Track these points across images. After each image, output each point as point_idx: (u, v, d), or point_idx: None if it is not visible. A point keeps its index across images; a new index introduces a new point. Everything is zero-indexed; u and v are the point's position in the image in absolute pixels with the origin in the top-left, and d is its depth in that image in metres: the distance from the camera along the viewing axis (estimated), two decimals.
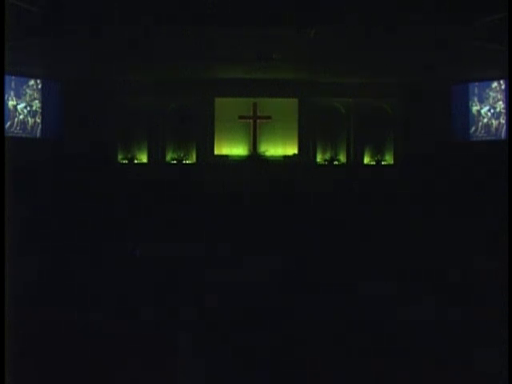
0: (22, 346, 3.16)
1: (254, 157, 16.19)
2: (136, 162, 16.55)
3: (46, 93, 15.84)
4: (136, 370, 3.08)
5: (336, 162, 16.80)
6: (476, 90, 15.94)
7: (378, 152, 16.84)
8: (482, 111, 15.90)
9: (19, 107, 15.47)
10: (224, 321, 3.85)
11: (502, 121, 15.45)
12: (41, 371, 3.08)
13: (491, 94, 15.68)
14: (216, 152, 16.54)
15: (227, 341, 3.54)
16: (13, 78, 15.06)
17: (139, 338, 3.30)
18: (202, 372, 3.16)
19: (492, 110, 15.72)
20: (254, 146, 16.53)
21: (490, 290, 4.39)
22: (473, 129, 16.06)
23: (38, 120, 15.82)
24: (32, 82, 15.62)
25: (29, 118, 15.68)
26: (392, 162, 16.80)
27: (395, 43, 11.84)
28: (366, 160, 16.85)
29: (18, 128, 15.42)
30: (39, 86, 15.76)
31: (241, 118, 16.59)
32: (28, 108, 15.65)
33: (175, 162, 16.54)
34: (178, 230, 6.96)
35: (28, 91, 15.58)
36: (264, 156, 16.17)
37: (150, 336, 3.30)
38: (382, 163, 16.76)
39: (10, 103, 15.22)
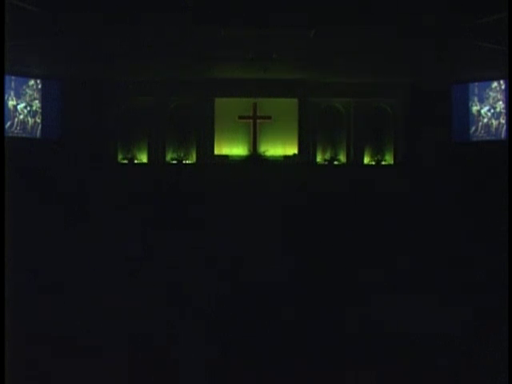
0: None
1: (254, 157, 16.18)
2: (136, 161, 16.56)
3: (46, 93, 15.84)
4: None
5: (336, 162, 16.80)
6: (476, 90, 15.94)
7: (377, 152, 16.85)
8: (482, 111, 15.90)
9: (19, 107, 15.47)
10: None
11: (502, 121, 15.44)
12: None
13: (491, 94, 15.68)
14: (216, 152, 16.53)
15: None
16: (13, 78, 15.05)
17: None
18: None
19: (492, 110, 15.72)
20: (254, 146, 16.53)
21: (490, 290, 4.39)
22: (473, 129, 16.06)
23: (38, 120, 15.82)
24: (32, 82, 15.62)
25: (29, 118, 15.67)
26: (392, 162, 16.80)
27: (395, 43, 11.84)
28: (366, 160, 16.85)
29: (18, 128, 15.42)
30: (39, 86, 15.76)
31: (241, 118, 16.59)
32: (28, 108, 15.64)
33: (175, 161, 16.54)
34: (178, 229, 6.96)
35: (28, 91, 15.58)
36: (264, 156, 16.16)
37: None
38: (382, 163, 16.77)
39: (10, 103, 15.22)
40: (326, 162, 16.76)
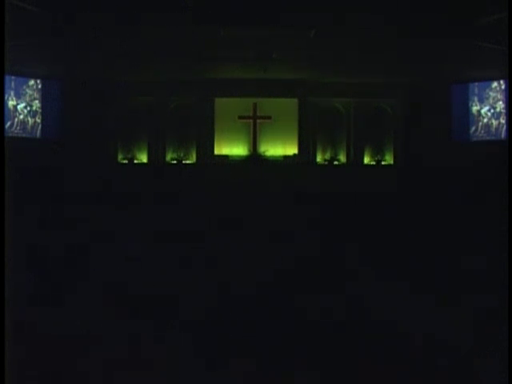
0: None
1: (254, 157, 16.18)
2: (136, 161, 16.56)
3: (46, 93, 15.84)
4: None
5: (336, 162, 16.80)
6: (476, 90, 15.94)
7: (378, 152, 16.85)
8: (482, 111, 15.90)
9: (19, 107, 15.47)
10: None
11: (502, 121, 15.44)
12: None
13: (491, 94, 15.68)
14: (216, 152, 16.53)
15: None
16: (13, 78, 15.05)
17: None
18: None
19: (492, 110, 15.72)
20: (254, 146, 16.53)
21: (490, 290, 4.40)
22: (473, 129, 16.06)
23: (38, 120, 15.82)
24: (32, 82, 15.62)
25: (29, 118, 15.67)
26: (392, 162, 16.80)
27: (395, 43, 11.84)
28: (366, 160, 16.85)
29: (18, 128, 15.42)
30: (39, 86, 15.76)
31: (241, 118, 16.59)
32: (28, 108, 15.64)
33: (175, 161, 16.54)
34: (178, 229, 6.97)
35: (28, 91, 15.57)
36: (264, 156, 16.16)
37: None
38: (382, 163, 16.77)
39: (10, 103, 15.22)
40: (326, 162, 16.76)
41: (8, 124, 15.02)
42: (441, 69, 14.33)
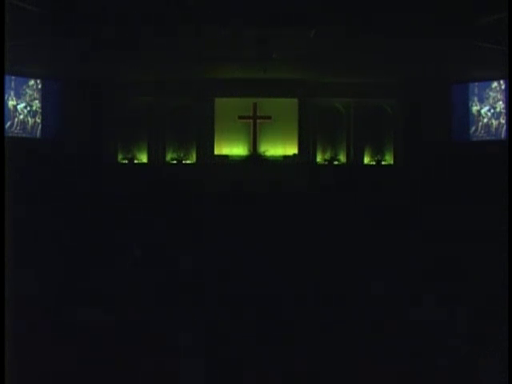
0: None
1: (254, 157, 16.18)
2: (136, 161, 16.55)
3: (46, 93, 15.82)
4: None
5: (336, 162, 16.80)
6: (476, 90, 15.93)
7: (377, 152, 16.83)
8: (482, 111, 15.89)
9: (19, 107, 15.46)
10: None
11: (502, 121, 15.44)
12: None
13: (491, 94, 15.67)
14: (216, 152, 16.52)
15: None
16: (13, 78, 15.04)
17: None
18: None
19: (492, 110, 15.71)
20: (254, 146, 16.51)
21: (489, 290, 4.40)
22: (473, 129, 16.06)
23: (38, 120, 15.80)
24: (32, 82, 15.61)
25: (29, 118, 15.66)
26: (392, 162, 16.80)
27: (395, 43, 11.84)
28: (366, 160, 16.84)
29: (18, 128, 15.41)
30: (39, 86, 15.75)
31: (241, 118, 16.56)
32: (28, 108, 15.63)
33: (175, 161, 16.53)
34: (178, 229, 6.97)
35: (28, 91, 15.56)
36: (264, 156, 16.16)
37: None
38: (382, 163, 16.76)
39: (10, 103, 15.21)
40: (326, 162, 16.75)
41: (8, 124, 15.00)
42: (441, 69, 14.32)
